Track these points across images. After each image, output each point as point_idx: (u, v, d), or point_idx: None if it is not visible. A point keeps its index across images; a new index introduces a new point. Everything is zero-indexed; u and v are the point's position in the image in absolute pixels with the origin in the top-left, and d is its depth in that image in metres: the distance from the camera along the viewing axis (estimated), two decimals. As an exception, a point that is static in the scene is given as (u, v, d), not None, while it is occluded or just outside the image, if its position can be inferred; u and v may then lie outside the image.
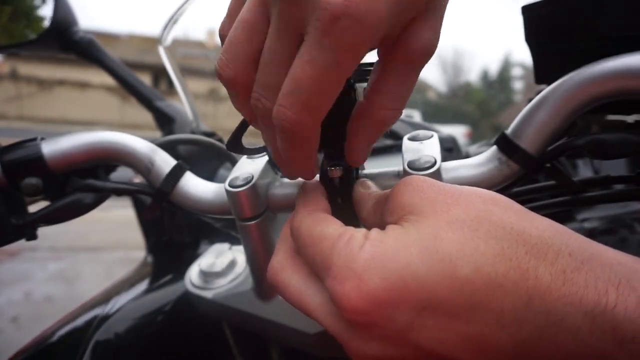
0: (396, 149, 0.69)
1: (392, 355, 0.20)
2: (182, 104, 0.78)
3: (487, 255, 0.19)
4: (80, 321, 0.52)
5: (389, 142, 0.71)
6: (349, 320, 0.21)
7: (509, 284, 0.18)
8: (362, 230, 0.22)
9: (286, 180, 0.34)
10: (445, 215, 0.20)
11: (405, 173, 0.28)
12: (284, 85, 0.20)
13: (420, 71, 0.23)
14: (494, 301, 0.18)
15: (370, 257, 0.19)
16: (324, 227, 0.23)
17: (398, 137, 0.71)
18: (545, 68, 0.34)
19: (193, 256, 0.49)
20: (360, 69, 0.26)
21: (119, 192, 0.37)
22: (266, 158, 0.35)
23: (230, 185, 0.32)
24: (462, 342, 0.19)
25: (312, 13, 0.18)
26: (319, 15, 0.18)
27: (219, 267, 0.42)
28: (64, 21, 0.65)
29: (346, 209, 0.29)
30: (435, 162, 0.28)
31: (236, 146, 0.29)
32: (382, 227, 0.22)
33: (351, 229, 0.22)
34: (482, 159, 0.31)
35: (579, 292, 0.17)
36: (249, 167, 0.34)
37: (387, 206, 0.23)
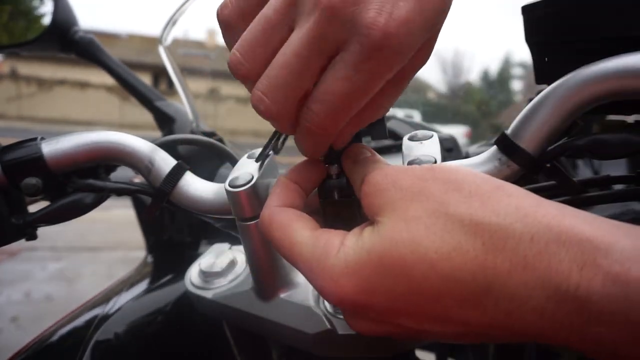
0: (396, 149, 0.69)
1: (381, 330, 0.23)
2: (182, 104, 0.78)
3: (442, 251, 0.19)
4: (80, 321, 0.52)
5: (388, 142, 0.71)
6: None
7: (466, 276, 0.19)
8: (338, 235, 0.24)
9: None
10: (403, 215, 0.21)
11: None
12: (317, 93, 0.22)
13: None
14: (453, 291, 0.19)
15: (344, 265, 0.22)
16: (298, 228, 0.25)
17: (398, 137, 0.71)
18: (545, 68, 0.34)
19: (193, 256, 0.49)
20: None
21: (119, 192, 0.37)
22: (266, 158, 0.35)
23: (230, 185, 0.32)
24: (433, 321, 0.21)
25: (353, 34, 0.20)
26: (362, 39, 0.19)
27: (219, 267, 0.42)
28: (64, 21, 0.65)
29: (344, 203, 0.30)
30: (435, 162, 0.28)
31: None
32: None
33: (325, 232, 0.24)
34: (482, 159, 0.31)
35: (540, 276, 0.18)
36: (249, 167, 0.34)
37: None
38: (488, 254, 0.19)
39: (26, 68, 15.12)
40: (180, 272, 0.49)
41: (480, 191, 0.21)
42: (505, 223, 0.19)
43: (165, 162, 0.37)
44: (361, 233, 0.23)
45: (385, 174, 0.23)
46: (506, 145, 0.29)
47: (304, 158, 0.29)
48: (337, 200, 0.30)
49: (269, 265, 0.36)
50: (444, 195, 0.21)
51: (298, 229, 0.25)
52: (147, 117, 0.78)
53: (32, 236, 0.37)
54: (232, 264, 0.43)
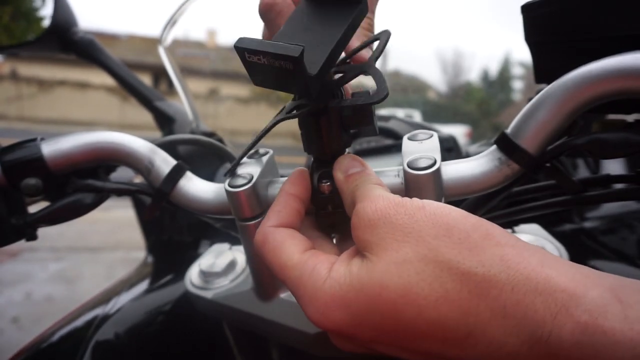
0: (396, 148, 0.69)
1: (363, 352, 0.24)
2: (182, 104, 0.78)
3: (430, 299, 0.21)
4: (80, 321, 0.52)
5: (389, 141, 0.71)
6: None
7: (450, 322, 0.21)
8: (325, 261, 0.24)
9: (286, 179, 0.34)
10: (395, 256, 0.22)
11: (405, 173, 0.28)
12: None
13: None
14: (437, 334, 0.21)
15: (330, 299, 0.23)
16: (288, 251, 0.26)
17: (398, 137, 0.71)
18: (545, 67, 0.34)
19: (193, 256, 0.49)
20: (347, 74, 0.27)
21: (119, 193, 0.37)
22: (266, 158, 0.35)
23: (230, 185, 0.32)
24: (414, 353, 0.23)
25: None
26: None
27: (219, 267, 0.42)
28: (64, 21, 0.65)
29: (336, 215, 0.30)
30: (435, 162, 0.28)
31: None
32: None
33: (314, 256, 0.25)
34: (482, 159, 0.30)
35: (517, 324, 0.19)
36: (249, 167, 0.34)
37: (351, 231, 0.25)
38: (472, 302, 0.20)
39: (26, 69, 15.11)
40: (180, 272, 0.49)
41: (469, 239, 0.22)
42: (490, 274, 0.20)
43: (165, 162, 0.37)
44: (349, 265, 0.24)
45: (376, 208, 0.24)
46: (506, 145, 0.29)
47: (302, 157, 0.30)
48: (331, 211, 0.30)
49: (269, 265, 0.36)
50: (433, 240, 0.22)
51: (288, 252, 0.26)
52: (147, 117, 0.78)
53: (32, 237, 0.36)
54: (232, 264, 0.43)
